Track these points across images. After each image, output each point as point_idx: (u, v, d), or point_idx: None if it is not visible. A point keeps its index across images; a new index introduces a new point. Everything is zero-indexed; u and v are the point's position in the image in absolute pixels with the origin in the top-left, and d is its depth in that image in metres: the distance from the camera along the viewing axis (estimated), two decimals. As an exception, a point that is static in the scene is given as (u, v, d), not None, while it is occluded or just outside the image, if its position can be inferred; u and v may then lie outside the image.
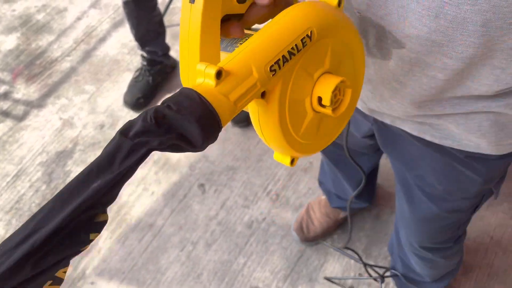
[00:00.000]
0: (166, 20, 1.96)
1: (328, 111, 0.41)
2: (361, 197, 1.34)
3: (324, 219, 1.40)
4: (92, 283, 1.38)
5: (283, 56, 0.36)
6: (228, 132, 1.68)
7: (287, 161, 0.44)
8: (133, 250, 1.44)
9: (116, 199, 1.48)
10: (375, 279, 1.31)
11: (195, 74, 0.34)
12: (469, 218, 0.89)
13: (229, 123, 1.69)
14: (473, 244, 1.40)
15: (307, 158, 1.59)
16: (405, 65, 0.52)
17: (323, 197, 1.43)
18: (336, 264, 1.39)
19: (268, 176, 1.57)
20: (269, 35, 0.37)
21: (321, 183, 1.37)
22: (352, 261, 1.38)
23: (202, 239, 1.45)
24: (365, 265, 1.19)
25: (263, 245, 1.44)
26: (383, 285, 1.29)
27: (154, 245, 1.45)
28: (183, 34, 0.39)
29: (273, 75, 0.36)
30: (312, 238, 1.40)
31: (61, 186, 1.58)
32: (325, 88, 0.40)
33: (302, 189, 1.54)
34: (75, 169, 1.62)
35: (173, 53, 1.85)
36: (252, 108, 0.39)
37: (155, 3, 1.62)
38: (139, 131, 0.29)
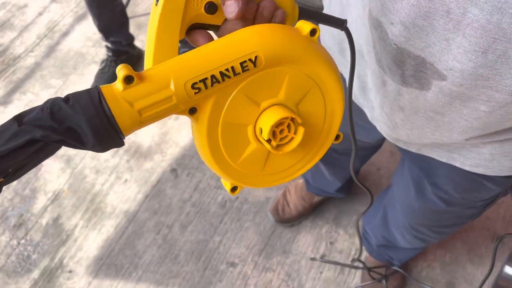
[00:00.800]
0: (129, 11, 1.97)
1: (268, 146, 0.38)
2: (341, 191, 1.36)
3: (299, 202, 1.44)
4: (70, 271, 1.40)
5: (213, 76, 0.33)
6: (197, 117, 1.71)
7: (227, 187, 0.41)
8: (109, 237, 1.46)
9: (90, 189, 1.48)
10: (379, 281, 1.29)
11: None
12: (482, 211, 0.84)
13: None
14: (436, 207, 1.47)
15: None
16: (445, 97, 0.49)
17: (301, 180, 1.47)
18: (308, 235, 1.44)
19: (238, 157, 1.61)
20: (205, 51, 0.34)
21: None
22: (323, 230, 1.44)
23: (177, 222, 1.49)
24: (369, 270, 1.21)
25: (237, 222, 1.48)
26: (387, 283, 1.29)
27: (130, 230, 1.47)
28: (148, 34, 0.39)
29: (195, 93, 0.33)
30: (286, 220, 1.44)
31: (33, 181, 1.58)
32: (267, 120, 0.37)
33: (272, 167, 1.58)
34: (47, 162, 1.62)
35: (137, 43, 1.86)
36: (191, 123, 0.38)
37: (116, -7, 1.63)
38: (31, 119, 0.31)
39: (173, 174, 1.59)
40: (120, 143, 0.33)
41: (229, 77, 0.34)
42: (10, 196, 1.55)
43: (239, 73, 0.34)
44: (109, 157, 1.62)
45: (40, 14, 2.06)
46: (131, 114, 0.32)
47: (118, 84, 0.32)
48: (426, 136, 0.59)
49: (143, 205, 1.52)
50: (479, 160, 0.61)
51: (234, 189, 0.41)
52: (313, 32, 0.37)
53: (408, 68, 0.49)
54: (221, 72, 0.33)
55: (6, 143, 0.30)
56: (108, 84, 0.33)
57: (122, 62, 1.78)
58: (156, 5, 0.37)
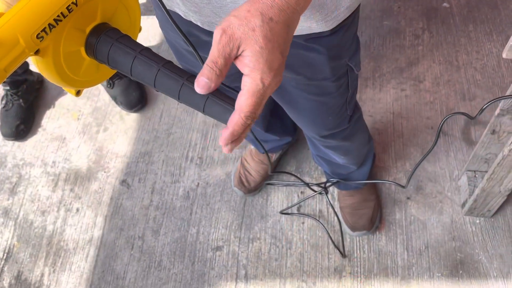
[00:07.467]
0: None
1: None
2: (277, 133, 1.37)
3: (260, 166, 1.43)
4: (55, 322, 1.29)
5: (49, 24, 0.40)
6: (127, 121, 1.62)
7: (73, 92, 0.52)
8: (83, 271, 1.36)
9: (42, 232, 1.38)
10: (320, 193, 1.40)
11: None
12: (350, 99, 0.94)
13: (124, 111, 1.63)
14: (381, 124, 1.54)
15: (212, 114, 1.60)
16: None
17: (252, 147, 1.46)
18: (278, 193, 1.45)
19: (183, 145, 1.56)
20: (34, 4, 0.40)
21: None
22: (290, 183, 1.45)
23: (147, 230, 1.42)
24: (308, 184, 1.24)
25: (207, 207, 1.44)
26: (328, 196, 1.37)
27: (102, 256, 1.38)
28: None
29: (41, 41, 0.40)
30: (254, 188, 1.43)
31: (-25, 247, 1.42)
32: None
33: (220, 142, 1.55)
34: (-19, 224, 1.46)
35: (34, 68, 1.70)
36: (34, 60, 0.44)
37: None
38: None
39: (124, 185, 1.50)
40: None
41: (61, 20, 0.42)
42: (-45, 273, 1.38)
43: (67, 15, 0.42)
44: (50, 193, 1.50)
45: None
46: None
47: None
48: (223, 3, 0.66)
49: (105, 227, 1.43)
50: None
51: (78, 92, 0.52)
52: None
53: None
54: (54, 19, 0.41)
55: None
56: None
57: (23, 92, 1.62)
58: None
